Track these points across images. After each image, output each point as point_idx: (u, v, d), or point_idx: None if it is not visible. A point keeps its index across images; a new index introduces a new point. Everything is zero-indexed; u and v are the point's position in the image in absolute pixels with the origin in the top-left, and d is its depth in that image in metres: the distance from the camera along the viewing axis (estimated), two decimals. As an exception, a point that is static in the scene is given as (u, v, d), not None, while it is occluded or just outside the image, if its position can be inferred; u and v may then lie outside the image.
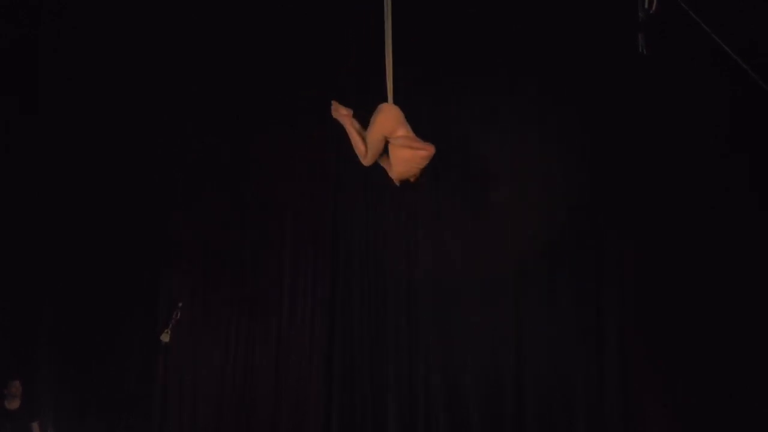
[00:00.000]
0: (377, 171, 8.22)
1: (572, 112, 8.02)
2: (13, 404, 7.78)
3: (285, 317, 8.47)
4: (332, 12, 8.36)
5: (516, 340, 7.92)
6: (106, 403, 8.31)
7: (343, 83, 8.53)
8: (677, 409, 7.44)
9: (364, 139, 5.39)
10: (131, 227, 8.49)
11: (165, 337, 7.52)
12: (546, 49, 8.05)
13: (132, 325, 8.42)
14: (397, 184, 5.42)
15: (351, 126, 5.48)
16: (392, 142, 5.24)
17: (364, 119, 5.50)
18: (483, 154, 8.22)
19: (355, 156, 8.16)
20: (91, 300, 8.40)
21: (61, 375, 8.37)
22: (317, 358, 8.31)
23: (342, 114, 5.55)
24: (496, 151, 8.21)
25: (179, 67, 8.58)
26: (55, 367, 8.36)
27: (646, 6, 4.82)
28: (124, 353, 8.39)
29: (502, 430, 7.82)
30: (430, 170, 8.24)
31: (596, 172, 7.97)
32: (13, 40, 8.21)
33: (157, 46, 8.47)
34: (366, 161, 5.45)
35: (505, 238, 8.08)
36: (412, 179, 5.35)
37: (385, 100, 5.44)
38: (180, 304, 7.95)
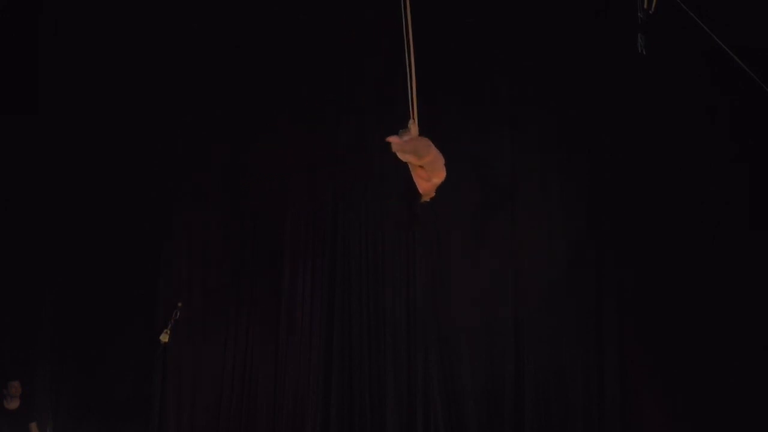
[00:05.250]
0: (376, 173, 8.27)
1: (572, 116, 8.04)
2: (13, 404, 7.78)
3: (284, 318, 8.47)
4: (333, 14, 8.35)
5: (515, 344, 7.92)
6: (105, 403, 8.30)
7: (344, 84, 8.54)
8: (675, 410, 7.45)
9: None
10: (131, 227, 8.48)
11: (164, 338, 7.50)
12: (545, 52, 8.06)
13: (131, 325, 8.41)
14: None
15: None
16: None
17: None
18: (482, 157, 8.22)
19: (353, 157, 8.20)
20: (91, 300, 8.39)
21: (60, 375, 8.36)
22: (316, 358, 8.31)
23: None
24: (495, 154, 8.22)
25: (179, 66, 8.58)
26: (55, 368, 8.35)
27: (646, 6, 4.82)
28: (123, 354, 8.38)
29: (501, 432, 7.84)
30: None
31: (596, 181, 7.99)
32: (13, 39, 8.21)
33: (157, 45, 8.47)
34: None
35: (504, 241, 8.08)
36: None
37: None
38: (179, 305, 7.94)
